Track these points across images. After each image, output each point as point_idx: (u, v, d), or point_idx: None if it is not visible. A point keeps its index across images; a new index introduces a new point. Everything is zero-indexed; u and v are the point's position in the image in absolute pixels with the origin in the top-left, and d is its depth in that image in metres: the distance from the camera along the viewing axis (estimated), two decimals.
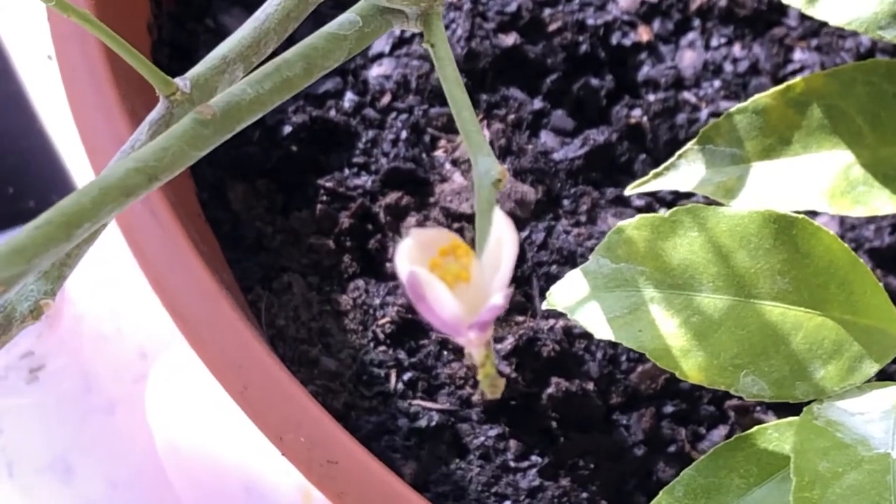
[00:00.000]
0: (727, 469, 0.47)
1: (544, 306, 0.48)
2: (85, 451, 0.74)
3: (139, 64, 0.39)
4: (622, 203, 0.63)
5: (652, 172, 0.53)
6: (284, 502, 0.67)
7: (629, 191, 0.54)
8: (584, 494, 0.59)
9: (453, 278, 0.35)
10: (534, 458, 0.60)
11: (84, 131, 0.58)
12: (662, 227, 0.48)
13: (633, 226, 0.48)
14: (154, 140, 0.35)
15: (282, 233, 0.64)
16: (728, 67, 0.68)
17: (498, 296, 0.34)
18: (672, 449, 0.60)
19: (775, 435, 0.47)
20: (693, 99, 0.68)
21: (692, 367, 0.46)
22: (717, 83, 0.68)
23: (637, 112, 0.67)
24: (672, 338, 0.47)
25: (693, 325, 0.47)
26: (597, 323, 0.47)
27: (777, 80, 0.67)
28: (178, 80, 0.40)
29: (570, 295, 0.48)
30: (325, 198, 0.64)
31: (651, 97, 0.68)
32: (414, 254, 0.35)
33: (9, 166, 0.84)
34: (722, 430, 0.60)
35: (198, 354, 0.54)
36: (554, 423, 0.61)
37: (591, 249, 0.58)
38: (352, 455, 0.53)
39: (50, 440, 0.74)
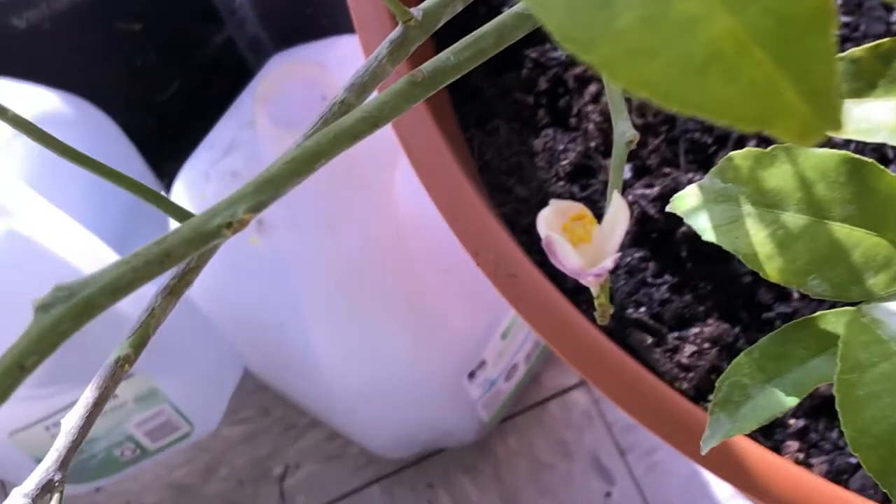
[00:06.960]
0: (794, 342, 0.50)
1: (668, 208, 0.49)
2: (346, 215, 0.82)
3: None
4: None
5: None
6: None
7: None
8: (701, 308, 0.64)
9: (578, 239, 0.38)
10: (666, 277, 0.65)
11: (360, 21, 0.64)
12: (763, 159, 0.49)
13: (740, 156, 0.49)
14: (377, 96, 0.36)
15: (495, 88, 0.69)
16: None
17: (608, 260, 0.37)
18: None
19: (833, 320, 0.50)
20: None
21: (773, 269, 0.49)
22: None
23: None
24: (760, 245, 0.49)
25: (777, 237, 0.49)
26: (705, 228, 0.49)
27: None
28: (413, 10, 0.42)
29: (688, 203, 0.50)
30: (529, 65, 0.69)
31: None
32: (551, 219, 0.38)
33: None
34: None
35: (430, 196, 0.61)
36: (684, 253, 0.65)
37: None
38: (527, 271, 0.59)
39: (321, 206, 0.81)
